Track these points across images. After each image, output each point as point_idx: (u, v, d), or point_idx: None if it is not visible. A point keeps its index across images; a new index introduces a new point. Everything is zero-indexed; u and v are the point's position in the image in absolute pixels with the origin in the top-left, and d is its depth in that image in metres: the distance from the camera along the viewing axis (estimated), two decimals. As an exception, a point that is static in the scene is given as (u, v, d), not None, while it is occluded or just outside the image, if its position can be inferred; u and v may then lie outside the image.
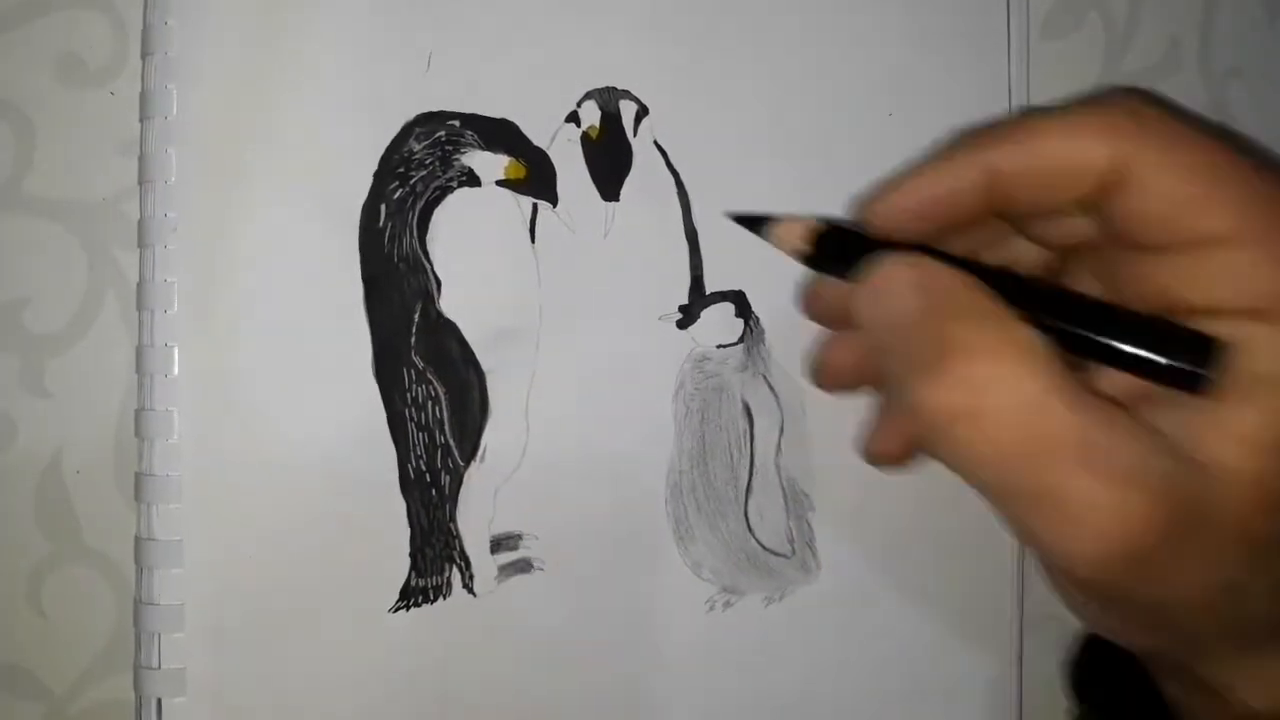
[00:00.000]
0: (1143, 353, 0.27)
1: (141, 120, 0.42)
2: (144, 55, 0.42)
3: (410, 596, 0.44)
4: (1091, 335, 0.28)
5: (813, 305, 0.36)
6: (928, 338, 0.27)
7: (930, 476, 0.48)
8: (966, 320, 0.27)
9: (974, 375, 0.26)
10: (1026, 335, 0.27)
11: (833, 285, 0.33)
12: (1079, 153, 0.29)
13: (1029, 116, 0.31)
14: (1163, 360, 0.27)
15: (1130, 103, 0.29)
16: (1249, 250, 0.27)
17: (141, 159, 0.42)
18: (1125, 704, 0.35)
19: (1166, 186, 0.28)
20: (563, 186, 0.45)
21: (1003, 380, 0.26)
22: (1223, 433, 0.27)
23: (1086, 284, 0.33)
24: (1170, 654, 0.31)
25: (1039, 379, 0.26)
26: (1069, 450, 0.26)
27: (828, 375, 0.36)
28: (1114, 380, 0.29)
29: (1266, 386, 0.27)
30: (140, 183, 0.42)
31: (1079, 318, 0.29)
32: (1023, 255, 0.35)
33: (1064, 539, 0.26)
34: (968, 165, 0.31)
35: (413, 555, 0.44)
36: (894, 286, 0.29)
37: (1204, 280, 0.28)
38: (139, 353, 0.42)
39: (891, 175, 0.33)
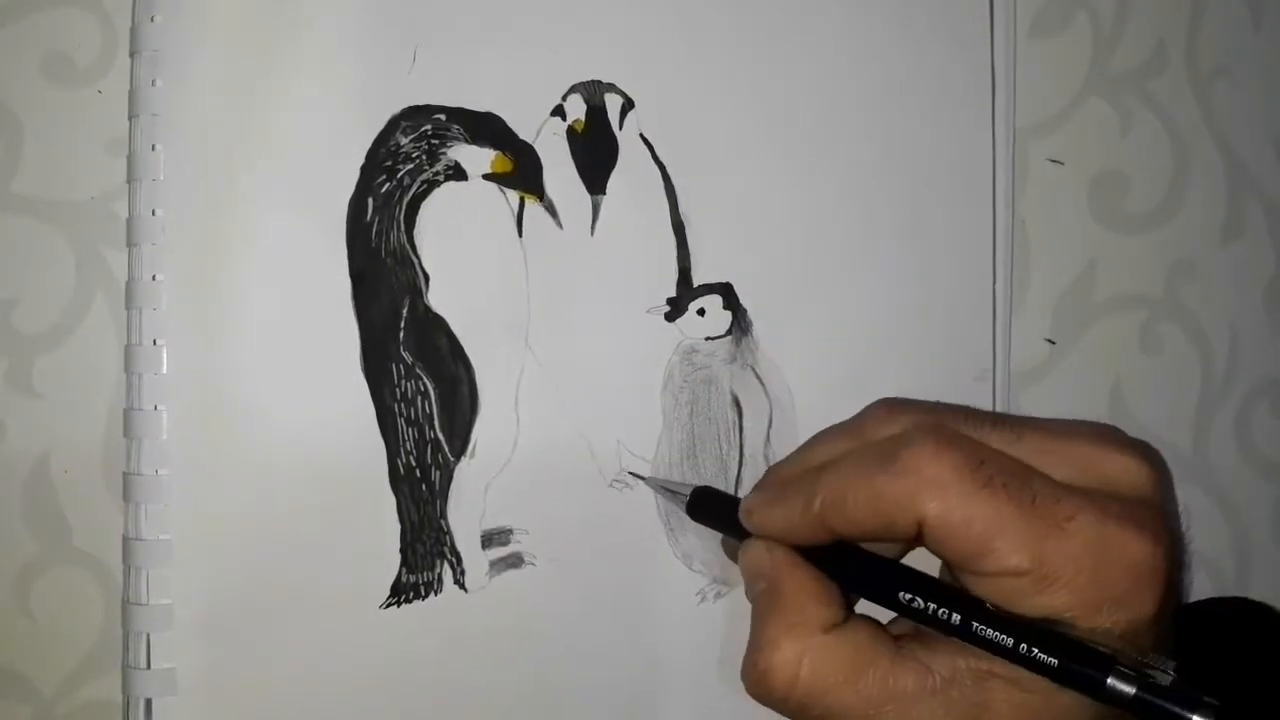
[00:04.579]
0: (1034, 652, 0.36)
1: (129, 118, 0.42)
2: (131, 53, 0.42)
3: (401, 593, 0.44)
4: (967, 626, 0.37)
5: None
6: (756, 615, 0.40)
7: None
8: (779, 624, 0.38)
9: (769, 672, 0.38)
10: (819, 642, 0.38)
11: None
12: (889, 520, 0.37)
13: (843, 481, 0.38)
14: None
15: (918, 459, 0.36)
16: (1025, 580, 0.36)
17: (129, 157, 0.42)
18: None
19: (958, 542, 0.36)
20: (549, 180, 0.45)
21: (786, 679, 0.38)
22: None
23: None
24: None
25: (825, 676, 0.37)
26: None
27: None
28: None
29: None
30: (128, 181, 0.42)
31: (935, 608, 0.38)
32: None
33: None
34: (807, 525, 0.39)
35: (403, 551, 0.44)
36: (748, 568, 0.41)
37: (1000, 597, 0.36)
38: (127, 351, 0.42)
39: (760, 494, 0.42)
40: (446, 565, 0.44)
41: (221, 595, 0.42)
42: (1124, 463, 0.38)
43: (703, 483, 0.46)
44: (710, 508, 0.44)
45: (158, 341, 0.42)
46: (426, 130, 0.44)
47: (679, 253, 0.47)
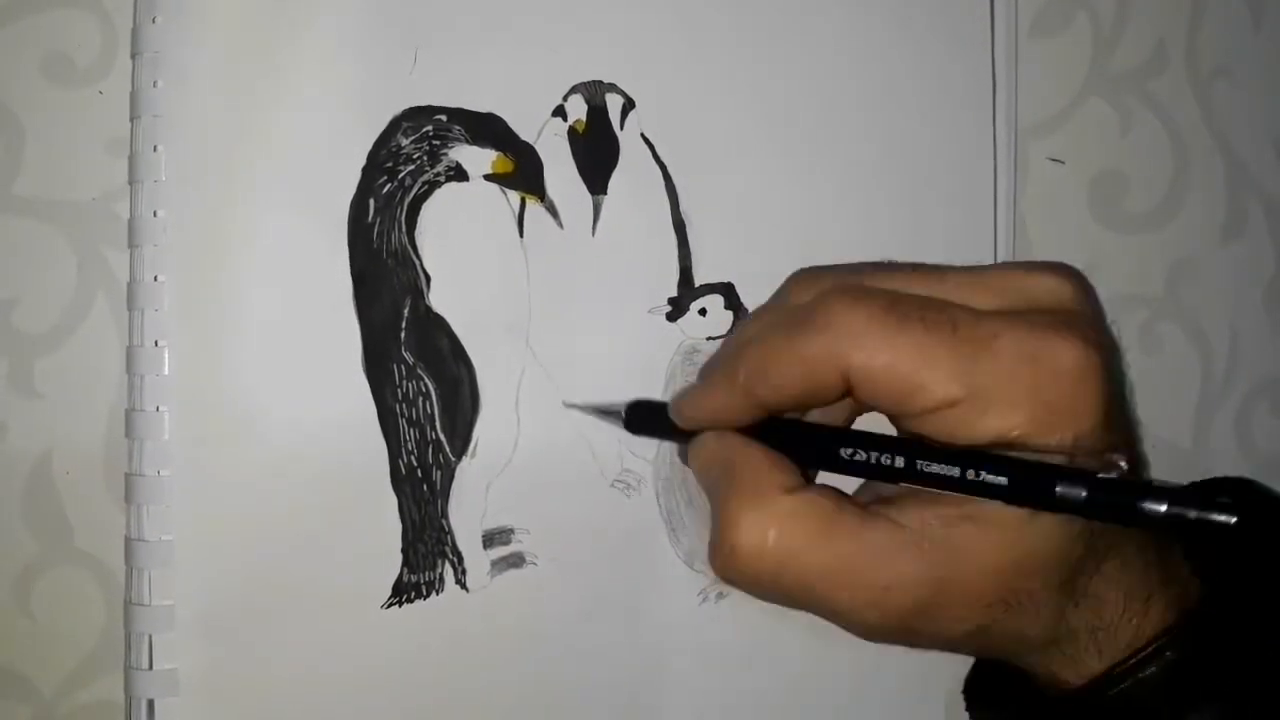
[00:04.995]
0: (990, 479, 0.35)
1: (131, 119, 0.42)
2: (133, 55, 0.42)
3: (403, 592, 0.44)
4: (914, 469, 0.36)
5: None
6: (715, 503, 0.38)
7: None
8: (740, 497, 0.37)
9: (738, 545, 0.36)
10: (784, 505, 0.36)
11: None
12: (813, 378, 0.36)
13: (765, 350, 0.37)
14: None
15: (834, 314, 0.35)
16: (962, 408, 0.35)
17: (131, 158, 0.42)
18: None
19: (886, 386, 0.35)
20: (550, 180, 0.45)
21: (754, 549, 0.36)
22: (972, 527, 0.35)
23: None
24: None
25: (794, 538, 0.36)
26: (824, 583, 0.36)
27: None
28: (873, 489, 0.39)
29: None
30: (130, 182, 0.42)
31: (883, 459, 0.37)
32: None
33: (845, 626, 0.36)
34: (738, 404, 0.38)
35: (405, 551, 0.44)
36: (699, 462, 0.39)
37: (945, 433, 0.35)
38: (129, 353, 0.42)
39: (688, 389, 0.40)
40: (448, 565, 0.44)
41: (223, 596, 0.42)
42: (1045, 282, 0.38)
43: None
44: (650, 420, 0.42)
45: (159, 343, 0.42)
46: (428, 131, 0.44)
47: (680, 252, 0.47)
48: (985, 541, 0.36)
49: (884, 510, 0.37)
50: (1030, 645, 0.37)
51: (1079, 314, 0.37)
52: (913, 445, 0.36)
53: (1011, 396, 0.35)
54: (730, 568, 0.37)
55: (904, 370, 0.35)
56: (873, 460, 0.37)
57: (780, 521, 0.36)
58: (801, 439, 0.39)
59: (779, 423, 0.39)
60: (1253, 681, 0.36)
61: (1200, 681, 0.36)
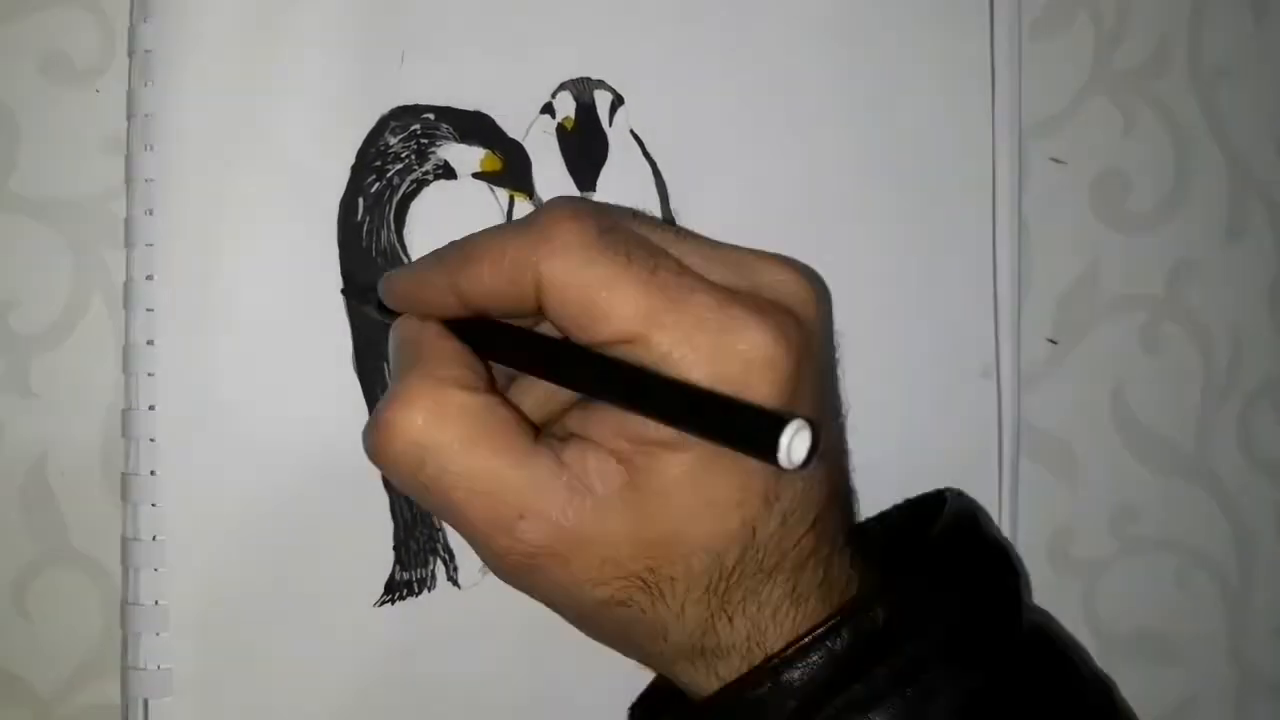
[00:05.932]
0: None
1: (126, 118, 0.43)
2: (128, 54, 0.43)
3: (395, 590, 0.44)
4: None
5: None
6: (393, 378, 0.38)
7: (916, 458, 0.49)
8: (412, 378, 0.36)
9: (392, 420, 0.36)
10: (451, 398, 0.35)
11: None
12: (508, 276, 0.35)
13: (477, 243, 0.37)
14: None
15: (548, 222, 0.35)
16: (637, 349, 0.34)
17: (126, 157, 0.43)
18: None
19: (569, 304, 0.35)
20: (539, 178, 0.45)
21: (402, 429, 0.35)
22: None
23: None
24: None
25: (446, 432, 0.35)
26: (463, 490, 0.35)
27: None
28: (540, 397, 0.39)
29: None
30: (124, 181, 0.43)
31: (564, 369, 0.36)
32: None
33: (477, 550, 0.37)
34: (442, 289, 0.37)
35: (396, 549, 0.44)
36: (396, 338, 0.39)
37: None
38: (124, 351, 0.43)
39: (402, 272, 0.41)
40: (439, 562, 0.44)
41: (218, 595, 0.42)
42: (777, 273, 0.37)
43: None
44: (370, 294, 0.42)
45: (153, 341, 0.42)
46: (415, 130, 0.44)
47: (672, 250, 0.47)
48: (631, 507, 0.35)
49: (557, 444, 0.36)
50: (677, 652, 0.37)
51: (793, 312, 0.36)
52: (593, 356, 0.35)
53: (685, 356, 0.34)
54: (375, 442, 0.36)
55: (589, 294, 0.34)
56: (556, 367, 0.36)
57: (439, 410, 0.35)
58: (497, 338, 0.38)
59: (482, 323, 0.38)
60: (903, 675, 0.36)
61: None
